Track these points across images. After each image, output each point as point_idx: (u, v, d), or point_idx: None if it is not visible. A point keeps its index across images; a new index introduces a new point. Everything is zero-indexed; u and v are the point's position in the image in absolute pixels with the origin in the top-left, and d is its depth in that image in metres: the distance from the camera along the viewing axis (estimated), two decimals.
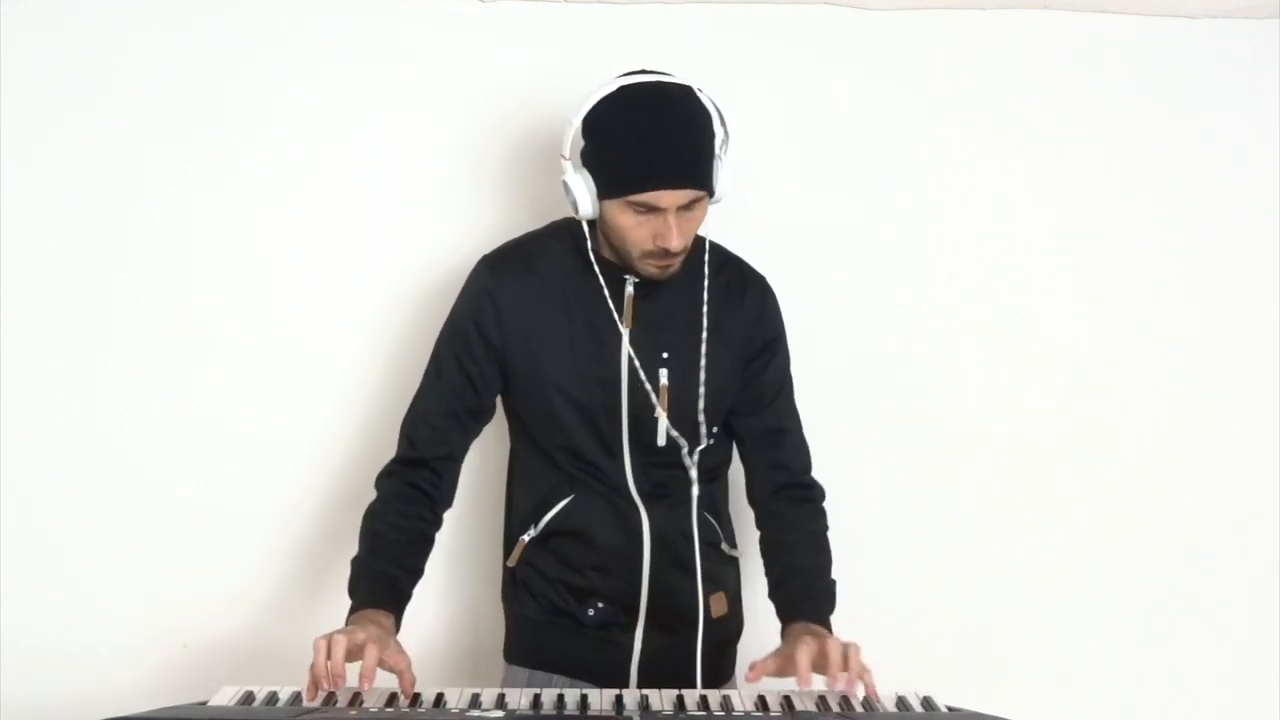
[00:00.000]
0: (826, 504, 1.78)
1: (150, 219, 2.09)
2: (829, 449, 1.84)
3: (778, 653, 1.55)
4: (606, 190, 1.61)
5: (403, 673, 1.47)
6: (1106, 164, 2.21)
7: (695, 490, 1.70)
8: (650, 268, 1.65)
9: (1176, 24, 2.19)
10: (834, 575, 1.70)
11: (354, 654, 1.44)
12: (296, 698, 1.44)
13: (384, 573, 1.61)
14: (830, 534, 1.75)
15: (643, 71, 1.62)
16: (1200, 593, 2.25)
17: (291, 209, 2.11)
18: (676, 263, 1.65)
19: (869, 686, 1.48)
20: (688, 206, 1.59)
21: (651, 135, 1.56)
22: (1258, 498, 2.25)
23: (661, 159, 1.56)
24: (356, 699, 1.43)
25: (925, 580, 2.21)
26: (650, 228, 1.60)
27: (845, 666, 1.47)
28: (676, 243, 1.59)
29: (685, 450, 1.70)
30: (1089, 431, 2.23)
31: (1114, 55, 2.20)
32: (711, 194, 1.63)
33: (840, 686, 1.46)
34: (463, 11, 2.10)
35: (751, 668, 1.52)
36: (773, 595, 1.69)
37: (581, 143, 1.64)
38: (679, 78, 1.62)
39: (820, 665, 1.48)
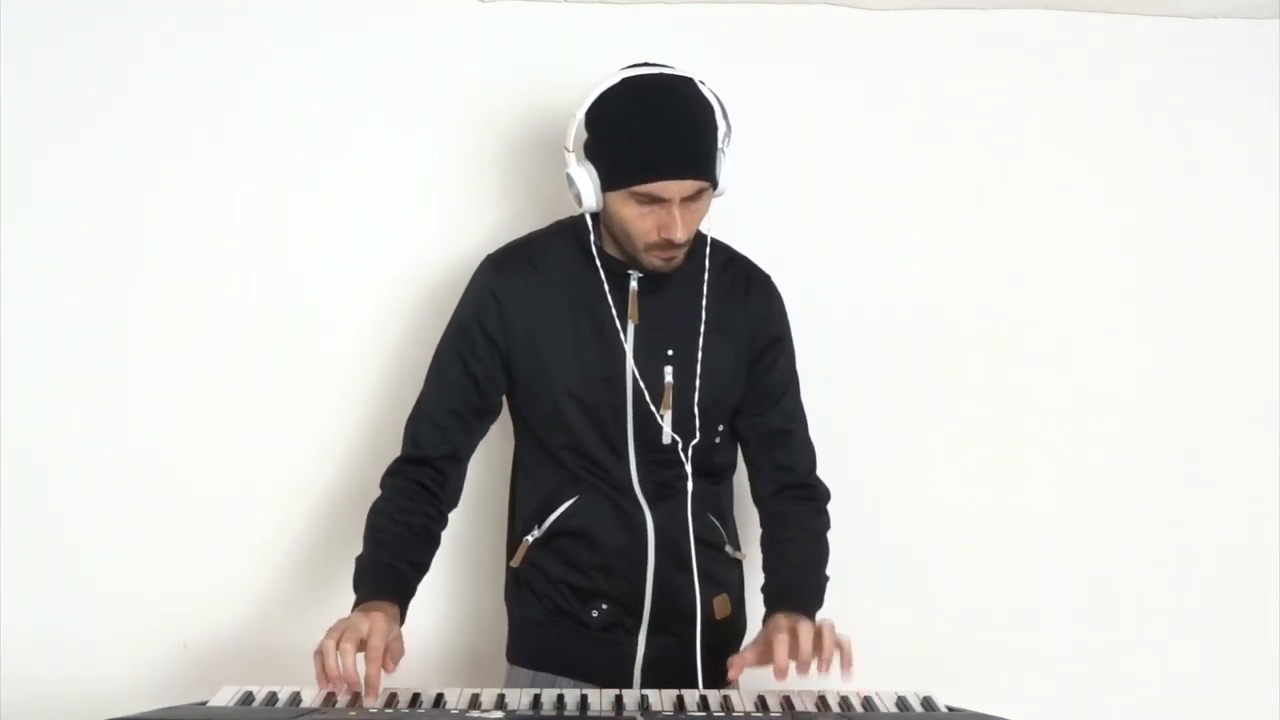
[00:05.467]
0: (832, 503, 1.78)
1: (149, 219, 2.09)
2: (831, 448, 1.84)
3: (755, 644, 1.54)
4: (610, 182, 1.60)
5: (389, 661, 1.44)
6: (1106, 164, 2.21)
7: (690, 486, 1.70)
8: (655, 260, 1.64)
9: (1176, 24, 2.19)
10: (828, 573, 1.69)
11: (361, 647, 1.44)
12: (296, 698, 1.44)
13: (388, 566, 1.60)
14: (831, 534, 1.75)
15: (645, 64, 1.62)
16: (1201, 593, 2.25)
17: (293, 209, 2.10)
18: (680, 255, 1.64)
19: (846, 660, 1.46)
20: (692, 197, 1.59)
21: (656, 126, 1.56)
22: (1259, 499, 2.25)
23: (666, 149, 1.56)
24: (356, 700, 1.43)
25: (926, 580, 2.21)
26: (655, 219, 1.59)
27: (819, 648, 1.46)
28: (681, 234, 1.58)
29: (680, 445, 1.69)
30: (1091, 431, 2.23)
31: (1114, 55, 2.20)
32: (715, 185, 1.63)
33: (810, 674, 1.45)
34: (463, 11, 2.10)
35: (731, 664, 1.52)
36: (763, 588, 1.69)
37: (585, 135, 1.64)
38: (681, 70, 1.62)
39: (794, 652, 1.48)
